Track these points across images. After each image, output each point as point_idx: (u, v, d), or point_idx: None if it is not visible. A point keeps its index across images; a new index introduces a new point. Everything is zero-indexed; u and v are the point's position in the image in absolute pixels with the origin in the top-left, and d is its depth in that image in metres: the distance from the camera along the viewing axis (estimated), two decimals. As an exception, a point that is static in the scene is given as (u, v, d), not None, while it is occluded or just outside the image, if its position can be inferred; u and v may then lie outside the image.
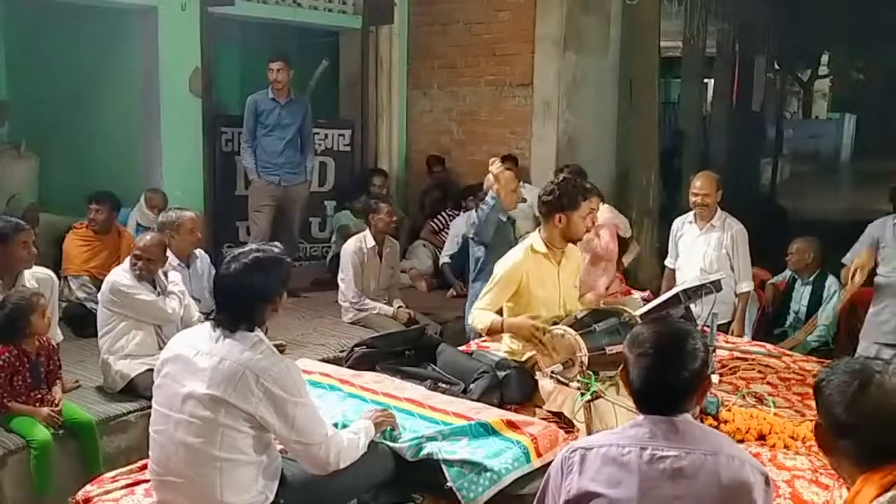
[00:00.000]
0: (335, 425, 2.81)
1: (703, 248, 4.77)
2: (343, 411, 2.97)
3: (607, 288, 4.99)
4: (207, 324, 2.50)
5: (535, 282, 3.60)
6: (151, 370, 4.00)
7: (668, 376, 1.94)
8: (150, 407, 3.86)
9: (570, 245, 3.73)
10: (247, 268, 2.44)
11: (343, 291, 5.55)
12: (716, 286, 3.79)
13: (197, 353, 2.44)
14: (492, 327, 3.52)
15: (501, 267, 3.65)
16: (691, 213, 4.88)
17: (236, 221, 6.84)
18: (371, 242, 5.54)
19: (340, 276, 5.57)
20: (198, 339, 2.49)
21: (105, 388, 4.19)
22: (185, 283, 4.73)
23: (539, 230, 3.69)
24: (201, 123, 6.42)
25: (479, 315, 3.57)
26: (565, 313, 3.63)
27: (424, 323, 5.24)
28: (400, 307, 5.61)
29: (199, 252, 4.99)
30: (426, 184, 7.72)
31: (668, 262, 5.11)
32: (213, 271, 4.95)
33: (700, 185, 4.75)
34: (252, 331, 2.44)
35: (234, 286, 2.44)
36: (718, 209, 4.76)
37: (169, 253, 4.67)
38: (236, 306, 2.44)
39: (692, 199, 4.77)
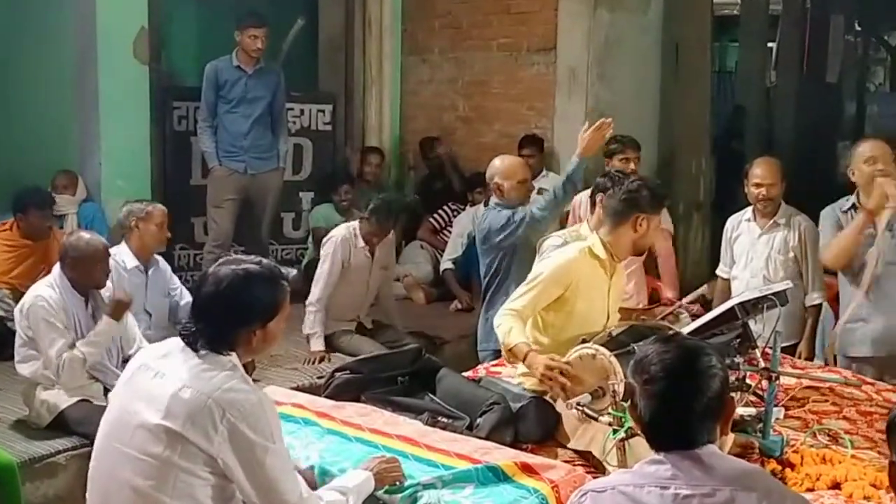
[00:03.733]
0: (311, 468, 2.82)
1: (765, 252, 4.78)
2: (320, 451, 2.96)
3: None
4: (176, 339, 2.54)
5: (584, 292, 3.62)
6: (85, 401, 4.08)
7: (681, 403, 1.99)
8: (83, 445, 3.93)
9: None
10: (235, 275, 2.48)
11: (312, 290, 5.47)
12: (780, 298, 3.78)
13: (155, 375, 2.46)
14: (515, 350, 3.49)
15: (549, 263, 3.67)
16: (749, 210, 4.89)
17: (192, 217, 6.85)
18: (362, 241, 5.53)
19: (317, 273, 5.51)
20: (160, 358, 2.52)
21: (29, 423, 4.21)
22: (141, 292, 4.77)
23: (600, 232, 3.71)
24: (148, 97, 6.44)
25: (508, 324, 3.53)
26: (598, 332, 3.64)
27: (417, 343, 5.23)
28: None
29: (159, 258, 5.03)
30: (423, 172, 7.73)
31: (721, 271, 5.10)
32: (173, 279, 5.02)
33: (761, 173, 4.75)
34: (223, 353, 2.46)
35: (213, 294, 2.48)
36: (783, 203, 4.76)
37: (122, 253, 4.71)
38: (209, 320, 2.47)
39: (752, 190, 4.77)
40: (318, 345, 5.42)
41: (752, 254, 4.83)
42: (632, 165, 5.13)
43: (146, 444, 2.40)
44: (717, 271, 5.15)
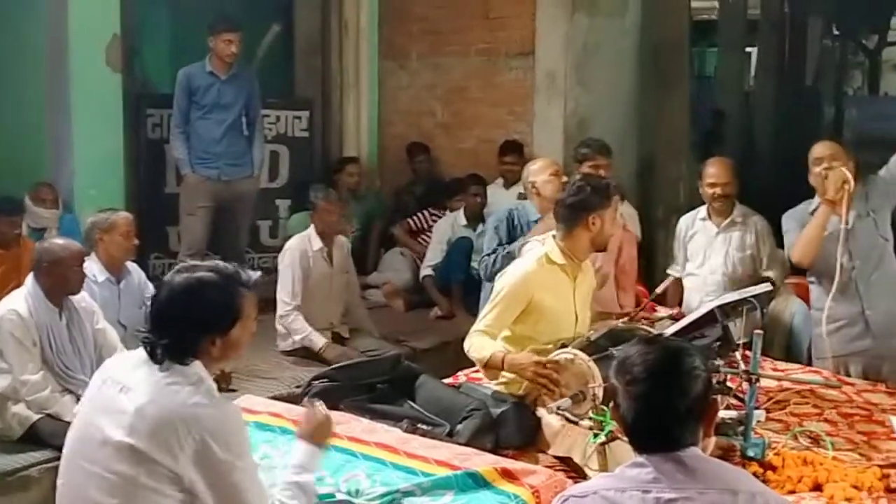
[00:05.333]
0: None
1: (723, 249, 4.96)
2: (297, 460, 2.95)
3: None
4: (141, 350, 2.49)
5: (548, 300, 3.65)
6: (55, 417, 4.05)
7: (664, 404, 2.01)
8: (56, 458, 3.86)
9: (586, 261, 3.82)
10: (188, 284, 2.45)
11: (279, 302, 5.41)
12: (760, 301, 3.82)
13: (121, 390, 2.42)
14: (491, 361, 3.55)
15: (508, 279, 3.68)
16: (702, 209, 5.08)
17: (166, 226, 6.83)
18: (318, 244, 5.49)
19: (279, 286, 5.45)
20: (126, 371, 2.47)
21: (0, 436, 4.16)
22: (114, 304, 4.72)
23: (554, 237, 3.74)
24: (122, 105, 6.39)
25: (478, 341, 3.60)
26: (575, 337, 3.66)
27: (396, 350, 5.22)
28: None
29: (131, 266, 4.98)
30: (407, 178, 7.71)
31: (674, 270, 5.27)
32: (148, 288, 4.97)
33: (715, 172, 4.95)
34: (186, 364, 2.42)
35: (166, 303, 2.45)
36: (737, 203, 4.96)
37: (92, 266, 4.67)
38: (166, 330, 2.43)
39: (707, 190, 4.96)
40: (319, 342, 5.38)
41: (710, 251, 5.01)
42: (601, 172, 5.13)
43: (111, 462, 2.36)
44: (669, 270, 5.31)
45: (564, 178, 4.70)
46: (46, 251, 4.17)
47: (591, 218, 3.65)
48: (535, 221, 4.88)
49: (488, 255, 4.88)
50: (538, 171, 4.92)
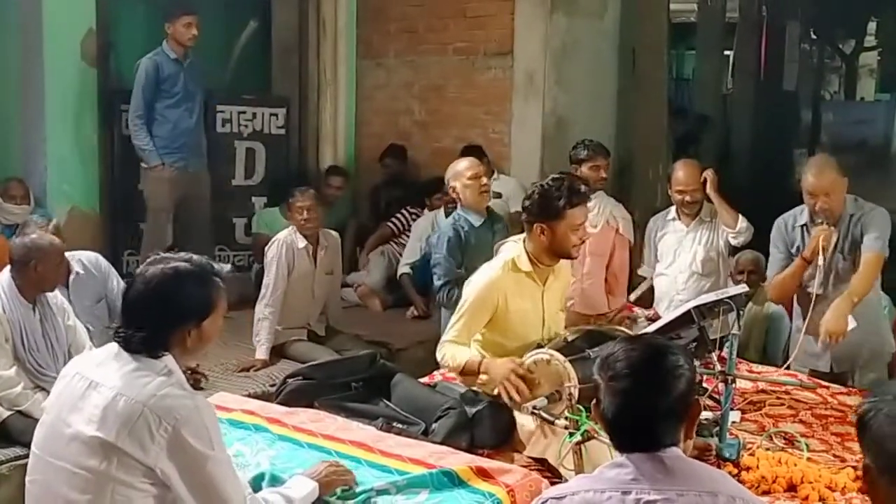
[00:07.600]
0: (261, 476, 2.79)
1: (693, 247, 5.04)
2: (271, 458, 2.94)
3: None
4: (111, 345, 2.49)
5: (514, 305, 3.62)
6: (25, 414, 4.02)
7: (646, 401, 2.01)
8: (26, 456, 3.85)
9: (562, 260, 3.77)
10: (165, 275, 2.45)
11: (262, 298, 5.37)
12: (736, 302, 3.83)
13: (89, 386, 2.41)
14: (467, 367, 3.54)
15: (473, 288, 3.65)
16: (671, 210, 5.14)
17: (139, 223, 6.77)
18: (302, 242, 5.46)
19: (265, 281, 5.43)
20: (95, 367, 2.47)
21: (-30, 433, 4.13)
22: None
23: (524, 241, 3.70)
24: (96, 100, 6.37)
25: (451, 350, 3.59)
26: (547, 340, 3.66)
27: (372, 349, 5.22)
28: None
29: (84, 258, 4.90)
30: (379, 178, 7.69)
31: (644, 271, 5.34)
32: (109, 280, 4.91)
33: (683, 179, 4.98)
34: (157, 357, 2.42)
35: (142, 295, 2.44)
36: (704, 201, 5.03)
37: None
38: (141, 322, 2.42)
39: (676, 196, 5.02)
40: (261, 353, 5.33)
41: (680, 250, 5.08)
42: (602, 173, 5.16)
43: (81, 457, 2.35)
44: (640, 271, 5.37)
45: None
46: (36, 247, 4.14)
47: (538, 227, 3.55)
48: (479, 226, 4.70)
49: (442, 284, 4.63)
50: (458, 175, 4.71)
